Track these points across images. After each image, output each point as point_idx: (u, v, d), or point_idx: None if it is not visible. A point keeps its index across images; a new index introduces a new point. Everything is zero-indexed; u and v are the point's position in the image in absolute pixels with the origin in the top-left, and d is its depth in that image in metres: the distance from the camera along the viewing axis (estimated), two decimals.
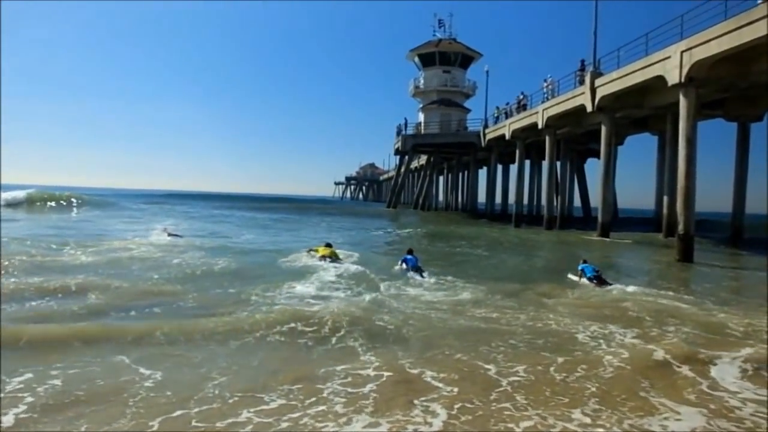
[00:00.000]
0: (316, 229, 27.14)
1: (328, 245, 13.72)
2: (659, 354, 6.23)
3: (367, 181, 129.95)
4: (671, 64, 17.91)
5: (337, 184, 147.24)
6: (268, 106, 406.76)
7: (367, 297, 8.89)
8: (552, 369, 5.65)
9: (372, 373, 5.40)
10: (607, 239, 23.55)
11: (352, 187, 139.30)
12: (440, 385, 5.12)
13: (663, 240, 23.28)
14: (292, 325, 6.88)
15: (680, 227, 17.52)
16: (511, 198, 38.63)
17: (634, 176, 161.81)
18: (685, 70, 17.26)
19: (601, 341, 6.73)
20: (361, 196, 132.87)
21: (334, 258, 12.93)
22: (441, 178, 60.04)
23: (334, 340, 6.46)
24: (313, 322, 7.00)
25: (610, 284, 10.92)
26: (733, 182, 25.38)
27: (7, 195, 31.70)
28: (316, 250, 13.43)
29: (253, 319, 7.06)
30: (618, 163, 37.15)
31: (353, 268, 11.93)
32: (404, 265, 11.92)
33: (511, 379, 5.35)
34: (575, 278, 11.60)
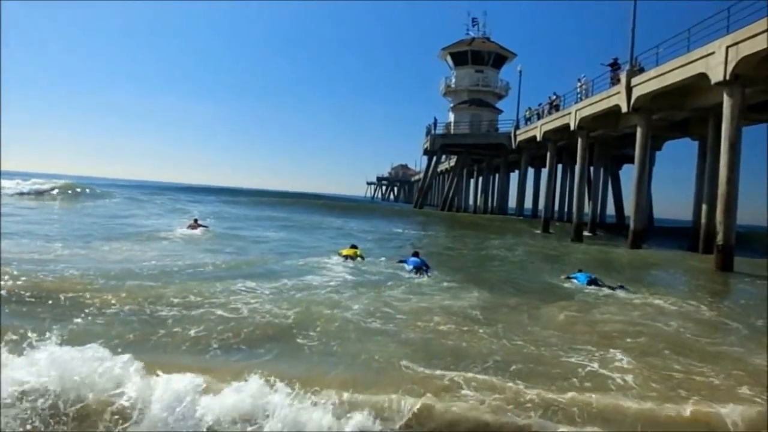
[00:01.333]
0: (330, 229, 26.11)
1: (354, 246, 13.27)
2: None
3: (398, 182, 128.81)
4: (715, 61, 16.46)
5: (369, 184, 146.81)
6: (303, 104, 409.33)
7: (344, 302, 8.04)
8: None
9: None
10: (641, 250, 21.91)
11: (384, 187, 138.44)
12: None
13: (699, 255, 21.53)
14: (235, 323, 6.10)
15: (719, 237, 16.07)
16: (542, 203, 37.07)
17: (673, 184, 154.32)
18: (730, 67, 15.81)
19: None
20: (392, 196, 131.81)
21: (354, 258, 12.46)
22: (471, 181, 58.67)
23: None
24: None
25: (609, 287, 10.70)
26: None
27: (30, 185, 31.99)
28: (341, 252, 12.92)
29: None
30: (655, 170, 35.34)
31: (346, 273, 11.09)
32: (405, 266, 11.51)
33: None
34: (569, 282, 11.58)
